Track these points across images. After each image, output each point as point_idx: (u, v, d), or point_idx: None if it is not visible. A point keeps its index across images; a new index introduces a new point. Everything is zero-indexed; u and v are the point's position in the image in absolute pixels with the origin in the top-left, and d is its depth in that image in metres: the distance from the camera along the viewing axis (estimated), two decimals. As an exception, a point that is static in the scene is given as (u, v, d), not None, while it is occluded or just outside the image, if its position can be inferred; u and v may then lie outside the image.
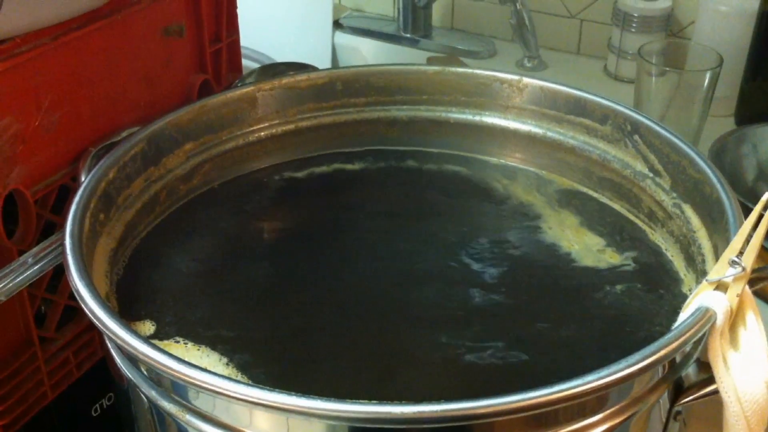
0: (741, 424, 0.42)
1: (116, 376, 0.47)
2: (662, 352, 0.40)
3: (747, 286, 0.44)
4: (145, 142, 0.57)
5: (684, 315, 0.43)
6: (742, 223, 0.47)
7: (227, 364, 0.47)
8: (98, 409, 0.60)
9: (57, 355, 0.56)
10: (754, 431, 0.42)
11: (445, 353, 0.49)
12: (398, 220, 0.61)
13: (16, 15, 0.49)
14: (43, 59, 0.52)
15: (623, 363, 0.39)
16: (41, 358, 0.55)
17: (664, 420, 0.46)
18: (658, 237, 0.58)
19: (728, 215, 0.50)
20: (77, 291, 0.44)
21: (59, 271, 0.52)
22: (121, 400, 0.52)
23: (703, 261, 0.52)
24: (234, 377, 0.46)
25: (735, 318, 0.43)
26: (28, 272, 0.48)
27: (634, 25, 0.93)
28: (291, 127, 0.66)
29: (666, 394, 0.45)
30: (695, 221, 0.54)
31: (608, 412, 0.42)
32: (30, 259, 0.48)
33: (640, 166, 0.60)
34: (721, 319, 0.42)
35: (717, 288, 0.44)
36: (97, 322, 0.42)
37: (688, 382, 0.46)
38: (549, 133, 0.64)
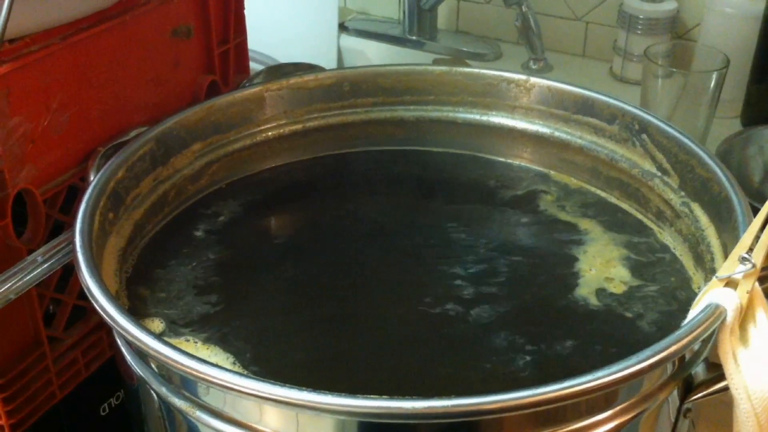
0: (751, 421, 0.42)
1: (126, 374, 0.47)
2: (672, 349, 0.40)
3: (757, 284, 0.44)
4: (154, 141, 0.58)
5: (694, 312, 0.43)
6: (751, 220, 0.47)
7: (234, 362, 0.47)
8: (107, 408, 0.60)
9: (65, 354, 0.56)
10: (764, 428, 0.42)
11: (460, 354, 0.49)
12: (406, 221, 0.61)
13: (26, 15, 0.49)
14: (52, 59, 0.52)
15: (633, 359, 0.39)
16: (50, 357, 0.55)
17: (673, 417, 0.46)
18: (666, 236, 0.58)
19: (737, 213, 0.50)
20: (87, 288, 0.44)
21: (68, 272, 0.52)
22: (130, 399, 0.52)
23: (712, 259, 0.52)
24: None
25: (745, 315, 0.43)
26: (38, 270, 0.48)
27: (639, 27, 0.93)
28: (298, 127, 0.66)
29: (676, 392, 0.45)
30: (704, 220, 0.54)
31: (618, 408, 0.42)
32: (39, 258, 0.49)
33: (648, 166, 0.60)
34: (731, 316, 0.42)
35: (727, 285, 0.44)
36: (108, 319, 0.42)
37: (698, 380, 0.46)
38: (557, 133, 0.64)
